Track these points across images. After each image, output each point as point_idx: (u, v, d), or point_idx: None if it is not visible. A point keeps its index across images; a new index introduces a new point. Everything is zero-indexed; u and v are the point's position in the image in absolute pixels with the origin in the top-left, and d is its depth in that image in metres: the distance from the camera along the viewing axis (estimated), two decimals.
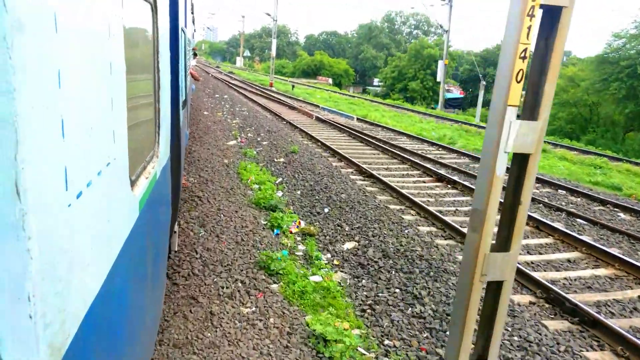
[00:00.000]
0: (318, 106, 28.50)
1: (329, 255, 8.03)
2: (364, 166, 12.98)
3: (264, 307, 5.84)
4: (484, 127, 27.33)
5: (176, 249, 7.10)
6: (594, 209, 11.36)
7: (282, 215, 9.14)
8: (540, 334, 5.66)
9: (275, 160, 13.99)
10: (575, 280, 7.36)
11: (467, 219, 9.56)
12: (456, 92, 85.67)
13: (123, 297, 1.93)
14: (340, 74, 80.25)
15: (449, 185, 12.07)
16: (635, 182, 15.39)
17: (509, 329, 5.77)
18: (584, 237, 8.71)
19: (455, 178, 12.61)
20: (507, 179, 3.54)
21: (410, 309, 6.16)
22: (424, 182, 12.46)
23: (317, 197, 10.70)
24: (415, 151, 16.16)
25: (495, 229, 3.57)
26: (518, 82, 3.02)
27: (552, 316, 6.26)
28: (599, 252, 8.05)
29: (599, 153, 21.64)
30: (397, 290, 6.65)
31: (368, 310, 6.15)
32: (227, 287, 6.21)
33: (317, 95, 37.75)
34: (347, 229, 8.93)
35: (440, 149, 17.48)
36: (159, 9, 2.82)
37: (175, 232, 6.53)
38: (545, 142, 23.97)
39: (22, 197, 0.93)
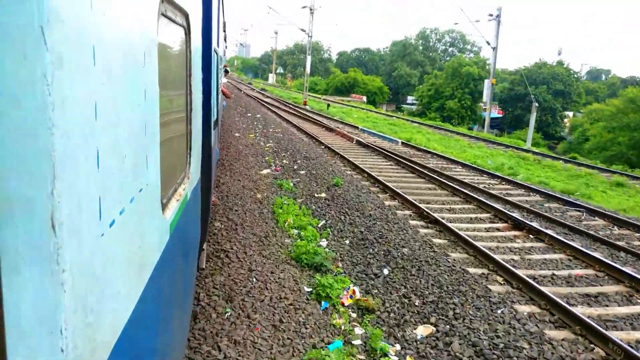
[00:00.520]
0: (357, 127, 26.46)
1: (398, 347, 5.90)
2: (423, 206, 10.82)
3: None
4: (541, 155, 24.84)
5: (204, 267, 6.71)
6: None
7: (331, 281, 7.07)
8: None
9: (316, 195, 11.96)
10: None
11: (574, 291, 7.29)
12: (494, 112, 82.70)
13: (152, 322, 1.91)
14: (374, 91, 78.18)
15: (530, 236, 9.78)
16: None
17: None
18: None
19: (536, 225, 10.31)
20: None
21: None
22: (499, 229, 10.20)
23: (371, 251, 8.59)
24: (476, 185, 13.90)
25: None
26: None
27: None
28: None
29: None
30: None
31: None
32: None
33: (353, 114, 35.74)
34: (417, 303, 6.79)
35: (503, 182, 15.14)
36: (192, 32, 2.81)
37: (203, 249, 6.23)
38: (601, 168, 21.32)
39: (58, 231, 0.94)
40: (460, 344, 5.81)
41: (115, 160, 1.29)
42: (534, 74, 73.65)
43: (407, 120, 37.72)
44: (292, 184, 13.02)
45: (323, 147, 18.83)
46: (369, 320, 6.45)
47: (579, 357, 5.60)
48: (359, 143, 20.39)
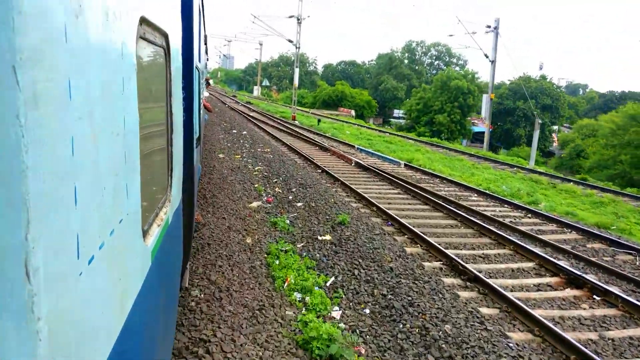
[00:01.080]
0: (353, 146, 24.37)
1: None
2: (453, 254, 8.74)
3: None
4: (555, 177, 23.01)
5: (187, 286, 6.51)
6: None
7: None
8: None
9: (319, 237, 9.81)
10: None
11: None
12: (481, 126, 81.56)
13: (135, 351, 1.84)
14: (362, 105, 76.34)
15: (595, 297, 7.75)
16: None
17: None
18: None
19: (594, 279, 8.30)
20: None
21: None
22: (551, 286, 8.16)
23: (401, 327, 6.47)
24: (501, 220, 11.90)
25: None
26: None
27: None
28: None
29: None
30: None
31: None
32: None
33: (345, 130, 33.67)
34: None
35: (529, 215, 13.15)
36: (172, 52, 2.75)
37: (186, 268, 5.81)
38: (623, 194, 19.56)
39: (32, 278, 0.89)
40: None
41: (94, 195, 1.23)
42: (521, 88, 72.85)
43: (403, 137, 35.77)
44: (288, 222, 10.85)
45: (320, 170, 16.69)
46: None
47: None
48: (359, 165, 18.31)
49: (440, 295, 7.27)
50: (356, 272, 8.21)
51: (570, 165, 50.15)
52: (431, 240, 9.50)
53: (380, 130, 41.13)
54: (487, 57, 31.38)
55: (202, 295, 6.61)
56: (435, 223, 11.36)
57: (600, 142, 38.28)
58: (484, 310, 6.91)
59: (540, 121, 33.75)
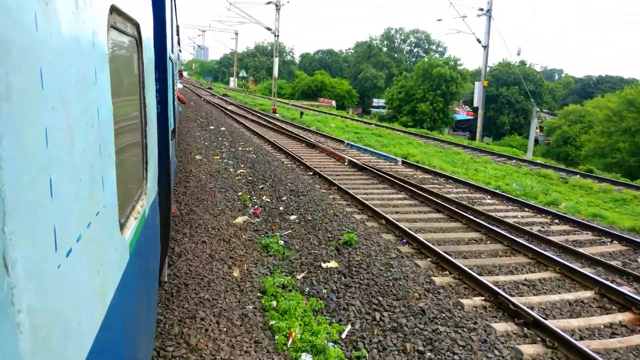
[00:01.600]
0: (342, 142, 22.44)
1: None
2: (494, 284, 6.96)
3: None
4: (558, 169, 21.49)
5: (165, 280, 6.36)
6: None
7: None
8: None
9: (323, 265, 7.93)
10: None
11: None
12: (462, 114, 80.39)
13: (116, 347, 1.84)
14: (343, 95, 74.36)
15: None
16: None
17: None
18: None
19: None
20: None
21: None
22: (626, 326, 6.44)
23: None
24: (528, 229, 10.21)
25: None
26: None
27: None
28: None
29: None
30: None
31: None
32: None
33: (330, 123, 31.64)
34: None
35: (557, 221, 11.45)
36: (144, 42, 2.73)
37: (165, 262, 5.74)
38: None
39: (11, 270, 0.89)
40: None
41: (70, 187, 1.22)
42: (503, 74, 71.89)
43: (392, 129, 33.91)
44: (282, 242, 8.94)
45: (311, 173, 14.75)
46: None
47: None
48: (353, 164, 16.42)
49: (497, 353, 5.47)
50: (377, 315, 6.37)
51: (557, 152, 49.16)
52: (461, 264, 7.71)
53: (366, 122, 39.23)
54: (479, 41, 29.72)
55: None
56: (456, 238, 9.58)
57: (596, 129, 36.98)
58: None
59: (537, 109, 32.27)
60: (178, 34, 14.03)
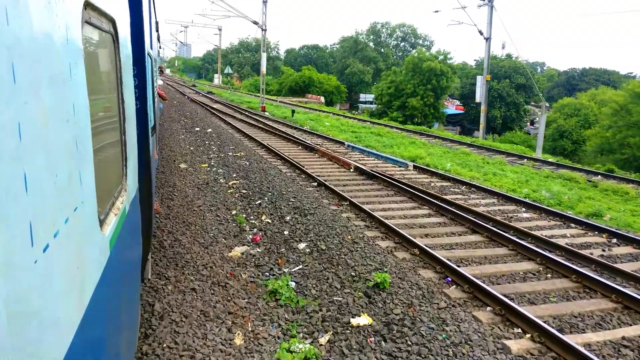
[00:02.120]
0: (342, 143, 20.45)
1: None
2: (590, 354, 5.09)
3: None
4: (581, 170, 19.77)
5: (149, 277, 6.12)
6: None
7: None
8: None
9: (352, 321, 5.98)
10: None
11: None
12: (452, 108, 78.94)
13: (96, 342, 1.81)
14: (331, 90, 72.32)
15: None
16: None
17: None
18: None
19: None
20: None
21: None
22: None
23: None
24: (588, 254, 8.40)
25: None
26: None
27: None
28: None
29: None
30: None
31: None
32: None
33: (324, 122, 29.57)
34: None
35: (617, 241, 9.60)
36: (121, 38, 2.66)
37: (148, 259, 5.42)
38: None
39: None
40: None
41: (46, 181, 1.20)
42: (494, 67, 70.50)
43: (389, 126, 31.92)
44: (293, 285, 6.98)
45: (315, 183, 12.77)
46: None
47: None
48: (360, 171, 14.46)
49: None
50: None
51: (553, 147, 47.82)
52: (535, 318, 5.82)
53: (361, 120, 37.22)
54: (481, 33, 27.96)
55: None
56: (509, 271, 7.70)
57: (602, 123, 35.47)
58: None
59: (547, 104, 30.61)
60: (157, 31, 13.73)
